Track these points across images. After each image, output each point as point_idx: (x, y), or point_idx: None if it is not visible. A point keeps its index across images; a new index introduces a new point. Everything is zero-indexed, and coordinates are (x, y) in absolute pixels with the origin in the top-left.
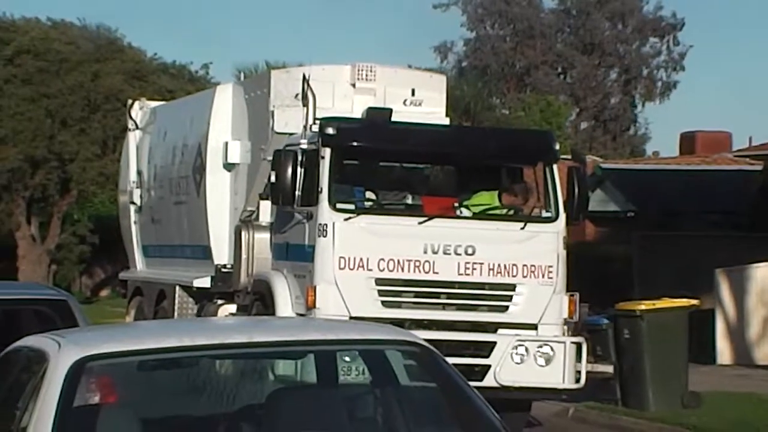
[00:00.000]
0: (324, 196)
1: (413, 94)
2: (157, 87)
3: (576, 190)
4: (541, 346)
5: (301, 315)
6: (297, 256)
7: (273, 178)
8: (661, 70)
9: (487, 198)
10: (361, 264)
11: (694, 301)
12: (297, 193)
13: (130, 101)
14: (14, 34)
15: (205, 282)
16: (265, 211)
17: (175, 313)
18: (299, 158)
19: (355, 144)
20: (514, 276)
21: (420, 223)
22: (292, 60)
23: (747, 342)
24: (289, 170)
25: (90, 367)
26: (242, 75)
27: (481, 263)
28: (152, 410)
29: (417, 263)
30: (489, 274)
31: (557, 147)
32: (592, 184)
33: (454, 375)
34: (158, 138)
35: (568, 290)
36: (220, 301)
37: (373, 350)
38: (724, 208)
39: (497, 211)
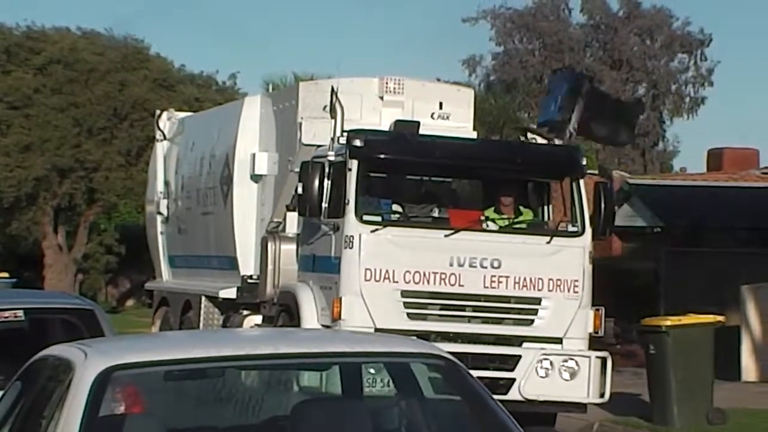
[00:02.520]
0: (351, 207)
1: (441, 107)
2: (185, 97)
3: (602, 205)
4: (566, 360)
5: (327, 327)
6: (323, 267)
7: (300, 190)
8: (689, 86)
9: (489, 212)
10: (387, 276)
11: (720, 318)
12: (324, 204)
13: (158, 112)
14: (45, 44)
15: (231, 293)
16: (292, 222)
17: (201, 324)
18: (326, 170)
19: (382, 156)
20: (539, 290)
21: (446, 235)
22: (320, 72)
23: None
24: (316, 182)
25: (116, 376)
26: (270, 87)
27: (507, 276)
28: (178, 420)
29: (443, 276)
30: (515, 288)
31: (584, 162)
32: (619, 200)
33: (479, 388)
34: (186, 149)
35: (593, 305)
36: (245, 312)
37: (398, 363)
38: (751, 224)
39: (523, 225)
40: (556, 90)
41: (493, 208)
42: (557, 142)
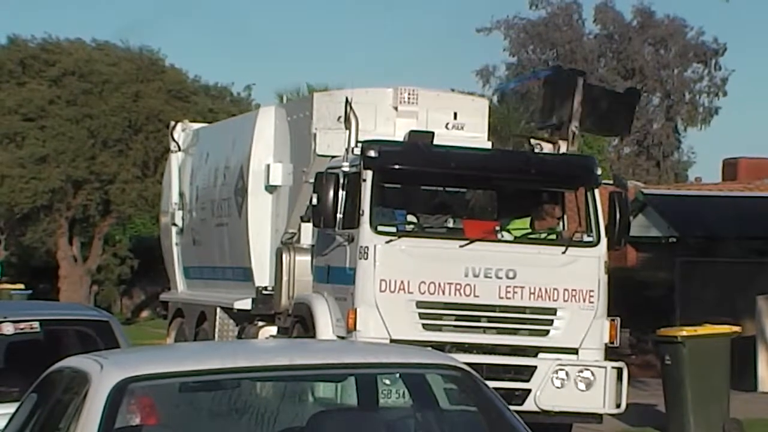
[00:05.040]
0: (365, 218)
1: (455, 117)
2: (200, 108)
3: (617, 215)
4: (581, 371)
5: (342, 338)
6: (338, 278)
7: (314, 201)
8: (703, 96)
9: (519, 224)
10: (402, 287)
11: (736, 328)
12: (338, 215)
13: (172, 123)
14: (59, 56)
15: (245, 304)
16: (307, 233)
17: (216, 335)
18: (341, 181)
19: (396, 167)
20: (555, 300)
21: (461, 246)
22: (334, 83)
23: None
24: (331, 193)
25: (132, 388)
26: (284, 98)
27: (522, 287)
28: None
29: (458, 286)
30: (530, 298)
31: (599, 172)
32: (634, 210)
33: (495, 399)
34: (200, 160)
35: (609, 315)
36: (260, 323)
37: (413, 374)
38: (767, 234)
39: (538, 235)
40: (534, 75)
41: (514, 219)
42: (562, 144)
